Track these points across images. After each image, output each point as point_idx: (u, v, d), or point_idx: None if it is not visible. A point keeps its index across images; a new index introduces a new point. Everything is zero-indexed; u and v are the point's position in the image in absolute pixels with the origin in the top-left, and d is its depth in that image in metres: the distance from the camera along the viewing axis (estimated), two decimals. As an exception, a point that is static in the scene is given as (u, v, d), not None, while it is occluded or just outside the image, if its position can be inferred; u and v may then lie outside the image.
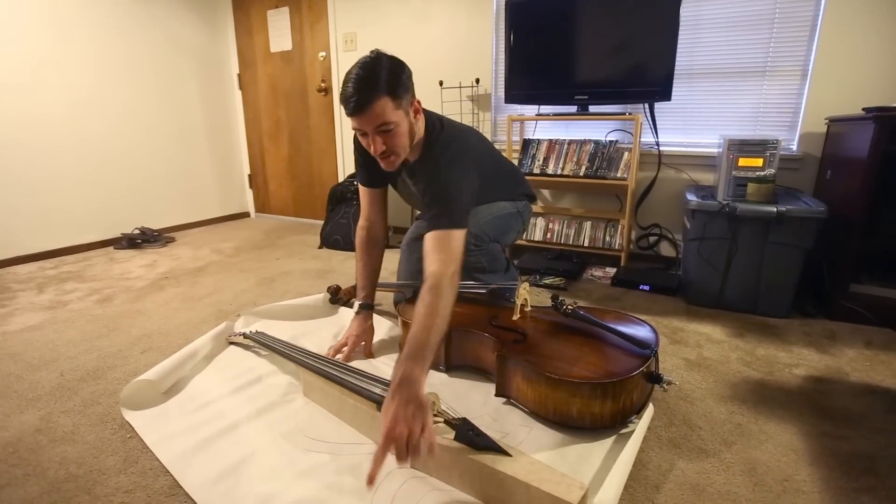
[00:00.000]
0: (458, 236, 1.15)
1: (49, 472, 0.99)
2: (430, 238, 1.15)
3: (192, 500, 0.89)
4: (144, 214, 3.16)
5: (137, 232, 2.99)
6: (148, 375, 1.25)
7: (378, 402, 1.01)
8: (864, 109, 1.63)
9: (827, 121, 2.00)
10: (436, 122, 1.32)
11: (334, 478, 0.94)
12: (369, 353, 1.45)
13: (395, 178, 1.50)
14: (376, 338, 1.51)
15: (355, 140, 1.40)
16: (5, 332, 1.68)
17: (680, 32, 2.05)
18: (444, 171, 1.23)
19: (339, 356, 1.39)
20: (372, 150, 1.18)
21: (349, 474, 0.94)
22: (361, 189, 1.50)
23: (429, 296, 1.03)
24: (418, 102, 1.22)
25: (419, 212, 1.81)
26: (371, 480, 0.78)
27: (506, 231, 1.58)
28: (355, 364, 1.32)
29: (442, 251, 1.11)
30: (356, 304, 1.47)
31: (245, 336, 1.50)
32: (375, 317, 1.55)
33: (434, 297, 1.02)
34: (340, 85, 1.15)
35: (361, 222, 1.51)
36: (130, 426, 1.12)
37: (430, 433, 0.83)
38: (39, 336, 1.65)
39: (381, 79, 1.09)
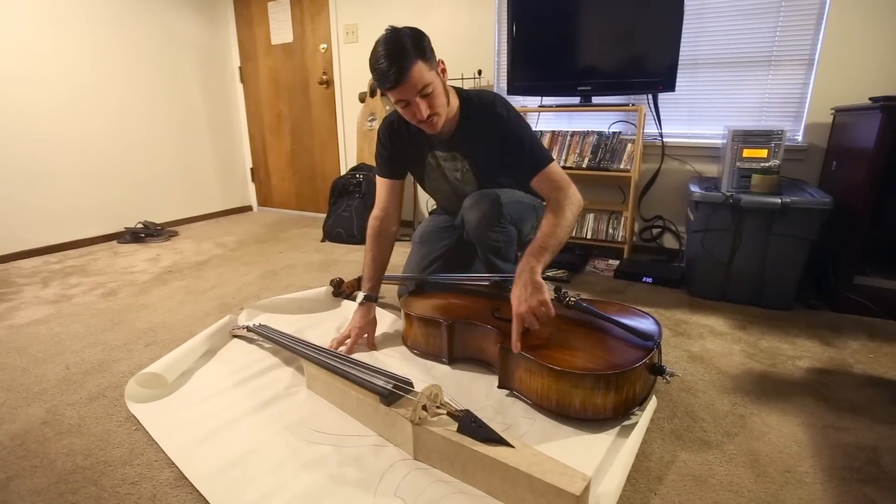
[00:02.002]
0: (554, 168, 1.32)
1: (56, 463, 1.00)
2: (535, 182, 1.32)
3: (198, 491, 0.90)
4: (147, 208, 3.17)
5: (140, 226, 3.00)
6: (153, 368, 1.25)
7: (381, 394, 1.02)
8: (870, 99, 1.61)
9: (833, 111, 1.98)
10: (467, 92, 1.39)
11: (337, 469, 0.94)
12: (372, 346, 1.46)
13: (422, 164, 1.52)
14: (379, 330, 1.52)
15: (381, 134, 1.48)
16: (11, 326, 1.70)
17: (684, 22, 2.03)
18: (515, 128, 1.34)
19: (342, 348, 1.39)
20: (417, 117, 1.24)
21: (352, 466, 0.95)
22: (380, 181, 1.52)
23: (552, 213, 1.24)
24: (443, 62, 1.27)
25: (435, 204, 1.79)
26: (517, 348, 1.09)
27: (523, 219, 1.58)
28: (358, 356, 1.33)
29: (552, 184, 1.30)
30: (360, 295, 1.48)
31: (248, 329, 1.50)
32: (378, 310, 1.56)
33: (556, 214, 1.23)
34: (371, 63, 1.20)
35: (376, 212, 1.51)
36: (136, 418, 1.13)
37: (549, 307, 1.08)
38: (45, 330, 1.66)
39: (408, 46, 1.16)
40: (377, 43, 1.18)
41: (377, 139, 1.50)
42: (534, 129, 2.53)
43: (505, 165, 1.41)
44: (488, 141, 1.37)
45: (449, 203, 1.65)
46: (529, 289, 1.10)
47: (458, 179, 1.51)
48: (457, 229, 1.63)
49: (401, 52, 1.15)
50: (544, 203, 1.65)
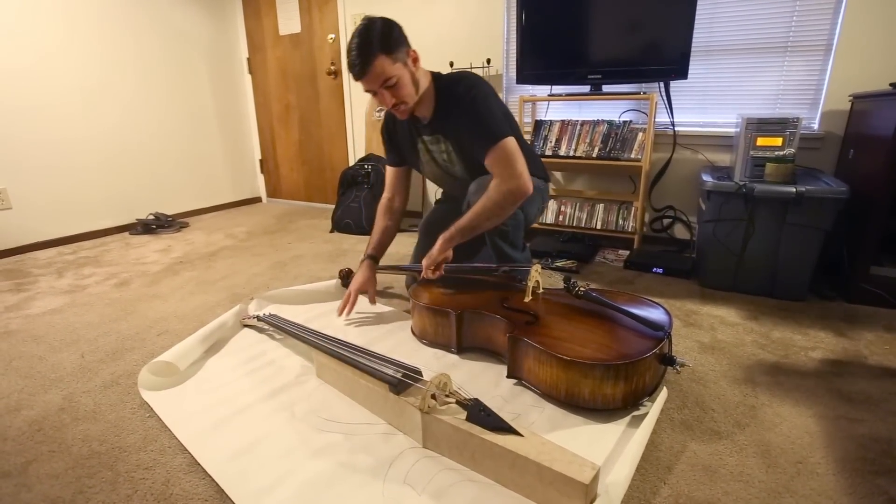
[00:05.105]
0: (505, 145, 1.31)
1: (73, 448, 1.02)
2: (488, 161, 1.33)
3: (210, 476, 0.91)
4: (158, 200, 3.20)
5: (152, 217, 3.03)
6: (165, 357, 1.27)
7: (390, 382, 1.02)
8: (891, 85, 1.57)
9: (851, 98, 1.93)
10: (440, 75, 1.45)
11: (347, 457, 0.95)
12: (373, 300, 1.58)
13: (415, 150, 1.57)
14: (385, 326, 1.53)
15: (382, 128, 1.61)
16: (28, 316, 1.73)
17: (697, 7, 1.99)
18: (473, 104, 1.34)
19: (345, 310, 1.54)
20: (385, 105, 1.33)
21: (362, 453, 0.96)
22: (389, 169, 1.67)
23: (483, 195, 1.33)
24: (415, 52, 1.34)
25: (442, 190, 1.81)
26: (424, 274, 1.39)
27: (530, 202, 1.55)
28: (367, 345, 1.34)
29: (497, 162, 1.31)
30: (362, 256, 1.60)
31: (259, 319, 1.52)
32: (383, 305, 1.57)
33: (481, 198, 1.31)
34: (346, 53, 1.31)
35: (386, 194, 1.67)
36: (149, 406, 1.15)
37: (435, 268, 1.36)
38: (60, 319, 1.69)
39: (374, 41, 1.24)
40: (352, 33, 1.27)
41: (381, 133, 1.62)
42: (541, 119, 2.51)
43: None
44: (456, 121, 1.40)
45: (446, 186, 1.70)
46: (437, 250, 1.35)
47: (445, 161, 1.54)
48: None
49: (366, 47, 1.24)
50: (545, 182, 1.65)
